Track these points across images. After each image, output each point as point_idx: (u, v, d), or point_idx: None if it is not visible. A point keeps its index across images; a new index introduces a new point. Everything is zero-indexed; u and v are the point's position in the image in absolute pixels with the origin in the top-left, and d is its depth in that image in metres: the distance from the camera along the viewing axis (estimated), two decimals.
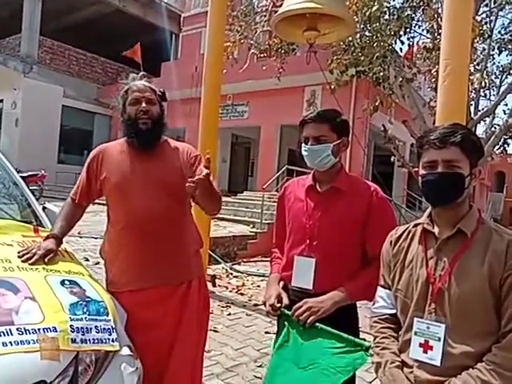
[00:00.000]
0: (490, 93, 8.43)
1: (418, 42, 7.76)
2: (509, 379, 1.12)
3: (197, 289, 1.90)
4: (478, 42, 7.25)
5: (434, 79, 6.89)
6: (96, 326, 1.48)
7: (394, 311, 1.39)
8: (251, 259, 7.75)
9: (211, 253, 6.19)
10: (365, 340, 1.46)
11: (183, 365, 1.82)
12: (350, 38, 6.72)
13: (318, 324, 1.54)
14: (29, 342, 1.30)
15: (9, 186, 2.38)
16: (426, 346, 1.24)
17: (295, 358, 1.56)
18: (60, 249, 1.84)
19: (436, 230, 1.31)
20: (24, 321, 1.35)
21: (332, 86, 7.21)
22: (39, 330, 1.35)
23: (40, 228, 2.09)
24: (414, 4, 6.94)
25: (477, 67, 7.46)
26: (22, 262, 1.65)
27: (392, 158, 7.68)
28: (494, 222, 1.33)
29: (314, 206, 1.70)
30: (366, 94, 10.38)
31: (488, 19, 7.62)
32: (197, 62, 12.40)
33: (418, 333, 1.27)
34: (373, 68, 7.04)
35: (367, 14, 6.19)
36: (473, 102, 7.80)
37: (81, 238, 7.03)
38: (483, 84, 6.59)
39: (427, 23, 7.13)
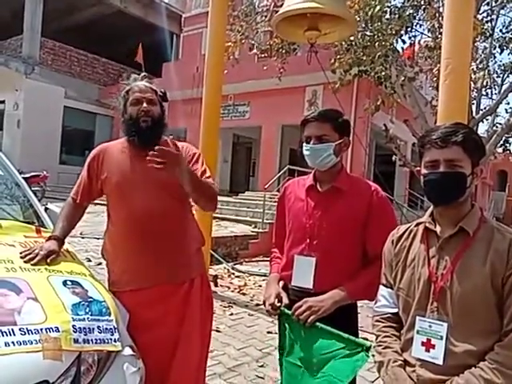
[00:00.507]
0: (491, 92, 8.42)
1: (419, 41, 7.75)
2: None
3: (199, 287, 1.90)
4: (479, 40, 7.24)
5: (435, 78, 6.89)
6: (98, 327, 1.48)
7: (395, 310, 1.38)
8: (253, 259, 7.75)
9: (213, 253, 6.19)
10: (366, 339, 1.46)
11: (187, 364, 1.82)
12: (352, 38, 6.71)
13: (318, 324, 1.54)
14: (31, 342, 1.31)
15: (11, 187, 2.39)
16: (428, 345, 1.24)
17: (304, 361, 1.57)
18: (62, 249, 1.84)
19: (438, 228, 1.31)
20: (26, 321, 1.35)
21: (336, 86, 7.21)
22: (42, 330, 1.35)
23: (42, 229, 2.10)
24: (415, 3, 6.93)
25: (479, 66, 7.44)
26: (25, 262, 1.66)
27: (393, 158, 7.68)
28: (496, 221, 1.33)
29: (314, 205, 1.71)
30: (368, 94, 10.36)
31: (489, 18, 7.61)
32: (198, 63, 12.41)
33: (421, 331, 1.27)
34: (374, 67, 7.03)
35: (369, 13, 6.18)
36: (474, 101, 7.79)
37: (83, 238, 7.05)
38: (485, 83, 6.58)
39: (428, 22, 7.12)
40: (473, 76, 5.88)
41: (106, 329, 1.50)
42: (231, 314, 4.42)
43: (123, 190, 1.83)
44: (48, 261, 1.70)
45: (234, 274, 6.49)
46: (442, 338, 1.22)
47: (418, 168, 1.35)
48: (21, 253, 1.71)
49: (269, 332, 3.83)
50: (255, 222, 9.10)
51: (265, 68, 9.37)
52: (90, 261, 5.18)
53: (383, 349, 1.34)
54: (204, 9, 14.20)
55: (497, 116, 8.13)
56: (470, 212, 1.28)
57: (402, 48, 7.43)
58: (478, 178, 1.29)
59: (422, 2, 6.82)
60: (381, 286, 1.45)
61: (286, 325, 1.66)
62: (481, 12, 7.10)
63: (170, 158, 1.57)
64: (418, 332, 1.27)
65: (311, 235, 1.68)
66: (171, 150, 1.59)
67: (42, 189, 10.99)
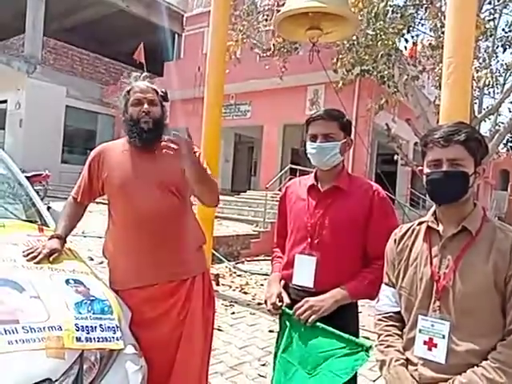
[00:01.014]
0: (494, 91, 8.40)
1: (422, 40, 7.74)
2: None
3: (201, 286, 1.90)
4: (481, 39, 7.22)
5: (437, 77, 6.87)
6: (100, 325, 1.48)
7: (398, 309, 1.39)
8: (254, 258, 7.76)
9: (214, 252, 6.20)
10: (368, 339, 1.46)
11: (189, 363, 1.82)
12: (354, 37, 6.70)
13: (319, 324, 1.54)
14: (34, 341, 1.31)
15: (14, 186, 2.40)
16: (430, 344, 1.24)
17: (300, 360, 1.57)
18: (64, 248, 1.85)
19: (440, 227, 1.31)
20: (29, 319, 1.36)
21: (339, 85, 7.20)
22: (44, 328, 1.35)
23: (44, 227, 2.10)
24: (418, 2, 6.92)
25: (482, 65, 7.43)
26: (27, 261, 1.66)
27: (395, 157, 7.67)
28: (499, 220, 1.33)
29: (315, 204, 1.71)
30: (370, 93, 10.35)
31: (492, 17, 7.59)
32: (200, 62, 12.39)
33: (423, 330, 1.27)
34: (377, 66, 7.02)
35: (373, 11, 6.16)
36: (477, 100, 7.78)
37: (85, 237, 7.05)
38: (487, 82, 6.57)
39: (431, 21, 7.11)
40: (475, 75, 5.87)
41: (109, 327, 1.50)
42: (233, 313, 4.43)
43: (124, 190, 1.84)
44: (50, 259, 1.71)
45: (235, 273, 6.50)
46: (444, 337, 1.22)
47: (421, 167, 1.35)
48: (23, 251, 1.71)
49: (270, 331, 3.83)
50: (257, 221, 9.10)
51: (266, 67, 9.37)
52: (91, 259, 5.18)
53: (385, 348, 1.35)
54: (206, 8, 14.18)
55: (499, 115, 8.12)
56: (472, 211, 1.28)
57: (405, 47, 7.40)
58: (480, 177, 1.29)
59: (425, 1, 6.82)
60: (383, 285, 1.45)
61: (287, 324, 1.66)
62: (483, 11, 7.08)
63: (184, 145, 1.60)
64: (420, 331, 1.28)
65: (312, 234, 1.68)
66: (184, 138, 1.61)
67: (44, 188, 11.00)
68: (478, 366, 1.16)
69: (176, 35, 18.23)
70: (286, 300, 1.69)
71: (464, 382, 1.15)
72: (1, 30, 17.57)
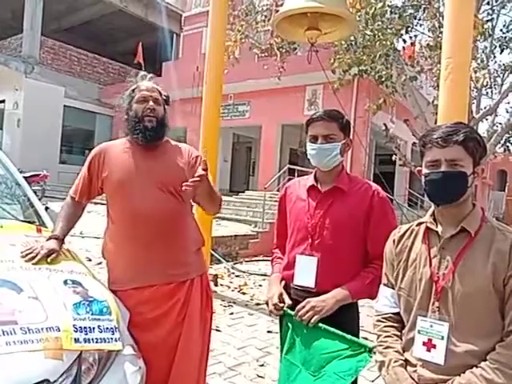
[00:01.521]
0: (491, 91, 8.43)
1: (420, 40, 7.76)
2: None
3: (199, 287, 1.90)
4: (479, 40, 7.23)
5: (435, 78, 6.88)
6: (99, 326, 1.48)
7: (397, 310, 1.38)
8: (253, 258, 7.76)
9: (213, 252, 6.19)
10: (367, 339, 1.46)
11: (187, 363, 1.82)
12: (352, 38, 6.71)
13: (321, 325, 1.54)
14: (32, 342, 1.31)
15: (11, 187, 2.39)
16: (429, 345, 1.24)
17: (303, 361, 1.57)
18: (62, 249, 1.84)
19: (439, 228, 1.31)
20: (27, 320, 1.35)
21: (335, 86, 7.21)
22: (42, 329, 1.35)
23: (43, 228, 2.10)
24: (416, 3, 6.93)
25: (479, 65, 7.44)
26: (25, 261, 1.66)
27: (393, 157, 7.67)
28: (497, 221, 1.33)
29: (315, 205, 1.72)
30: (368, 93, 10.36)
31: (490, 17, 7.61)
32: (198, 62, 12.39)
33: (422, 331, 1.27)
34: (375, 67, 7.03)
35: (370, 12, 6.17)
36: (475, 101, 7.79)
37: (83, 237, 7.04)
38: (485, 82, 6.58)
39: (429, 22, 7.12)
40: (473, 75, 5.87)
41: (107, 328, 1.50)
42: (231, 314, 4.42)
43: (124, 189, 1.83)
44: (48, 260, 1.70)
45: (234, 273, 6.49)
46: (443, 338, 1.22)
47: (419, 168, 1.35)
48: (21, 252, 1.71)
49: (269, 331, 3.83)
50: (255, 222, 9.10)
51: (265, 67, 9.37)
52: (90, 260, 5.17)
53: (384, 348, 1.34)
54: (204, 8, 14.18)
55: (497, 116, 8.13)
56: (471, 212, 1.28)
57: (403, 47, 7.42)
58: (478, 177, 1.29)
59: (423, 2, 6.82)
60: (382, 286, 1.45)
61: (289, 325, 1.66)
62: (481, 11, 7.10)
63: (203, 179, 1.62)
64: (419, 332, 1.27)
65: (313, 235, 1.69)
66: (199, 180, 1.61)
67: (42, 188, 10.97)
68: (476, 366, 1.16)
69: (174, 35, 18.21)
70: (288, 301, 1.69)
71: (463, 382, 1.15)
72: None
